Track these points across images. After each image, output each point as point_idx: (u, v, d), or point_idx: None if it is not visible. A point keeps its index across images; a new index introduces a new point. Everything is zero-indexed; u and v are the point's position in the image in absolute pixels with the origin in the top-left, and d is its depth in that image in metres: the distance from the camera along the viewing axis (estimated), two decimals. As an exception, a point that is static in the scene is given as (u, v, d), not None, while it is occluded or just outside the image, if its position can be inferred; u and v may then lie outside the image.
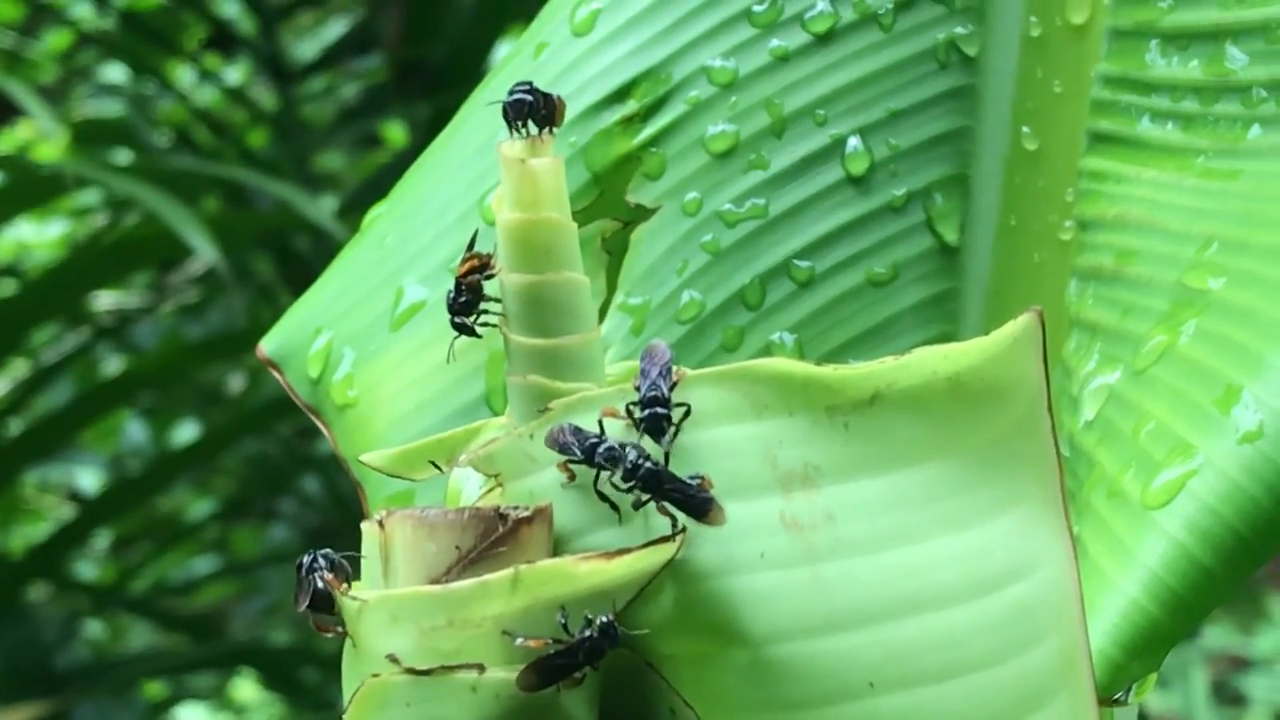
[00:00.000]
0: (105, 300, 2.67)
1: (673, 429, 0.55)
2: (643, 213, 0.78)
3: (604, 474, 0.55)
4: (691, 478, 0.55)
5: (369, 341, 0.79)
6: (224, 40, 2.90)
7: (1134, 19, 0.76)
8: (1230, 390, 0.66)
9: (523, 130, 0.57)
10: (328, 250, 2.37)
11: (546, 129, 0.58)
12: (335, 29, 2.93)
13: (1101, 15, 0.77)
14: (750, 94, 0.78)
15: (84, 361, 2.75)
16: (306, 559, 0.58)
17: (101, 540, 2.96)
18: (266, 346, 0.80)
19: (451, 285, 0.59)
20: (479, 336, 0.59)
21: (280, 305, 2.48)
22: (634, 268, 0.78)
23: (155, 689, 2.78)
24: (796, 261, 0.79)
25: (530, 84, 0.57)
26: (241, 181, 2.25)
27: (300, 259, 2.39)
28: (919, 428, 0.55)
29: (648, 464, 0.54)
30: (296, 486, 2.93)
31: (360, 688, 0.54)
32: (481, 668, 0.54)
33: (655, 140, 0.78)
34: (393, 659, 0.54)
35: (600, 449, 0.55)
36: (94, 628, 2.93)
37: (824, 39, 0.79)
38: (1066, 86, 0.79)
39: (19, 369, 2.74)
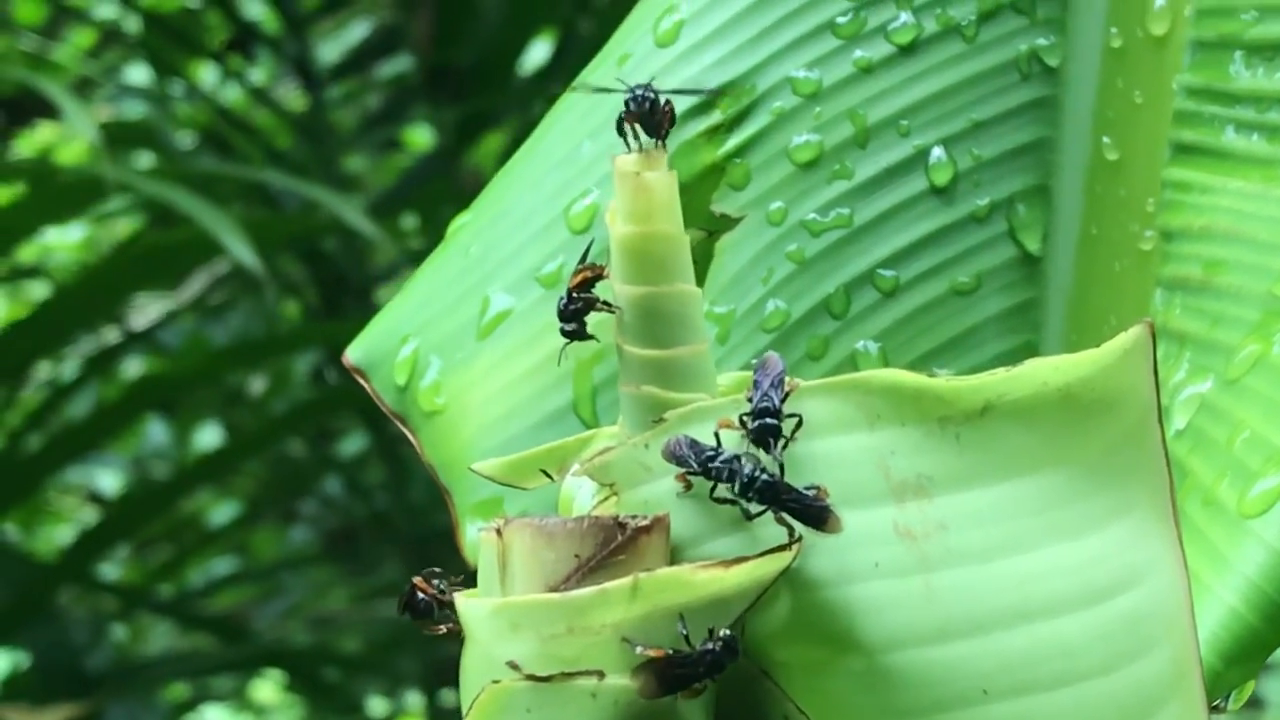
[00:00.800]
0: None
1: (784, 440, 0.56)
2: (727, 222, 0.79)
3: (721, 485, 0.56)
4: (807, 488, 0.55)
5: (456, 349, 0.79)
6: (245, 42, 2.90)
7: (1218, 31, 0.76)
8: (1327, 400, 0.67)
9: (636, 142, 0.58)
10: (356, 252, 2.38)
11: (660, 141, 0.58)
12: (358, 31, 2.93)
13: (1183, 27, 0.78)
14: (834, 104, 0.79)
15: (108, 366, 2.75)
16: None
17: (123, 543, 2.96)
18: (352, 354, 0.81)
19: (564, 294, 0.60)
20: (592, 338, 0.60)
21: (310, 306, 2.48)
22: (719, 277, 0.78)
23: (177, 690, 2.78)
24: (881, 271, 0.79)
25: (650, 86, 0.57)
26: (272, 184, 2.25)
27: (327, 260, 2.40)
28: (1030, 438, 0.56)
29: (764, 476, 0.55)
30: (318, 488, 2.93)
31: (480, 694, 0.55)
32: (601, 674, 0.55)
33: (740, 151, 0.79)
34: (513, 665, 0.55)
35: (717, 461, 0.55)
36: (116, 630, 2.93)
37: (907, 50, 0.79)
38: (1147, 97, 0.79)
39: (44, 372, 2.75)
